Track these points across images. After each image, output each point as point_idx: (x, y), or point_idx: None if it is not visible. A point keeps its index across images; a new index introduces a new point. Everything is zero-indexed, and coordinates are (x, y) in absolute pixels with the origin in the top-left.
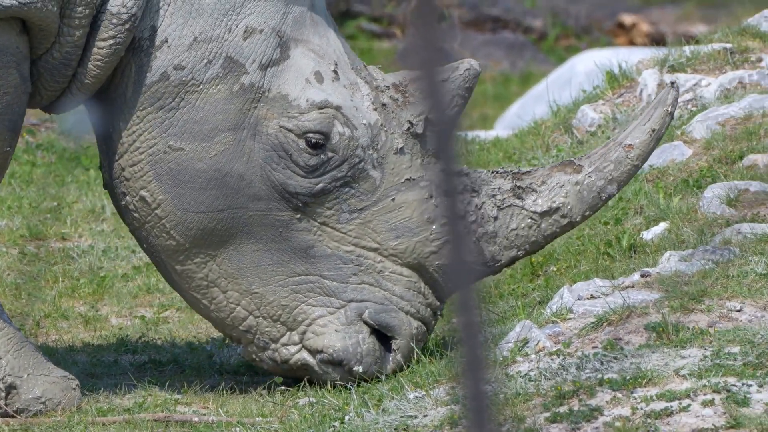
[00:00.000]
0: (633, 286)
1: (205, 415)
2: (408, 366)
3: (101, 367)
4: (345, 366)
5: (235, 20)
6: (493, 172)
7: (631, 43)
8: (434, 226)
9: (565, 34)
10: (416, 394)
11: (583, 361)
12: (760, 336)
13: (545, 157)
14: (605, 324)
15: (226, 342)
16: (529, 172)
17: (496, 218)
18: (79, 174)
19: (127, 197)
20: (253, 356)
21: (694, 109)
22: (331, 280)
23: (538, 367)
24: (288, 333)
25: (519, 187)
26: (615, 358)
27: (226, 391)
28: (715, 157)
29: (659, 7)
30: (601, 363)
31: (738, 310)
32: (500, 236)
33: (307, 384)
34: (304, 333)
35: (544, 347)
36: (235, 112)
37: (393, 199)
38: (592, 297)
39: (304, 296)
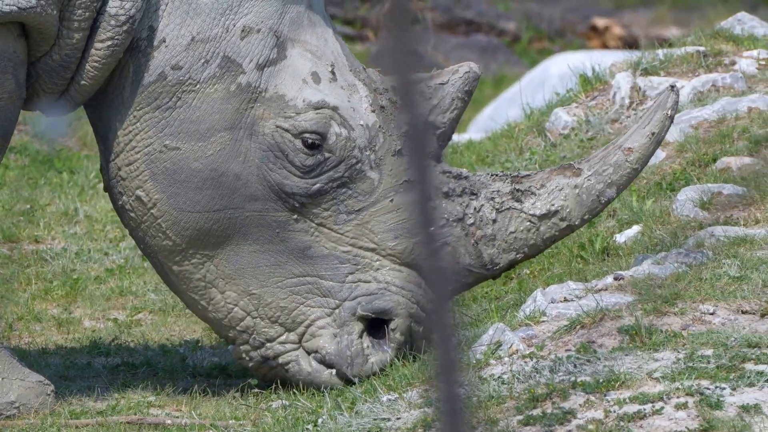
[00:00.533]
0: (606, 289)
1: (178, 417)
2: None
3: (74, 370)
4: (336, 369)
5: (233, 20)
6: (492, 175)
7: (605, 46)
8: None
9: (538, 37)
10: (389, 396)
11: (557, 364)
12: (733, 339)
13: (518, 160)
14: (578, 327)
15: (199, 344)
16: (529, 175)
17: (494, 221)
18: (52, 177)
19: (124, 197)
20: (243, 355)
21: None
22: (329, 281)
23: (511, 370)
24: (286, 333)
25: (518, 190)
26: (588, 361)
27: (200, 394)
28: (689, 159)
29: (632, 11)
30: (575, 366)
31: (711, 313)
32: (499, 239)
33: (281, 387)
34: (302, 334)
35: (517, 350)
36: (231, 112)
37: (391, 200)
38: (566, 300)
39: (302, 297)
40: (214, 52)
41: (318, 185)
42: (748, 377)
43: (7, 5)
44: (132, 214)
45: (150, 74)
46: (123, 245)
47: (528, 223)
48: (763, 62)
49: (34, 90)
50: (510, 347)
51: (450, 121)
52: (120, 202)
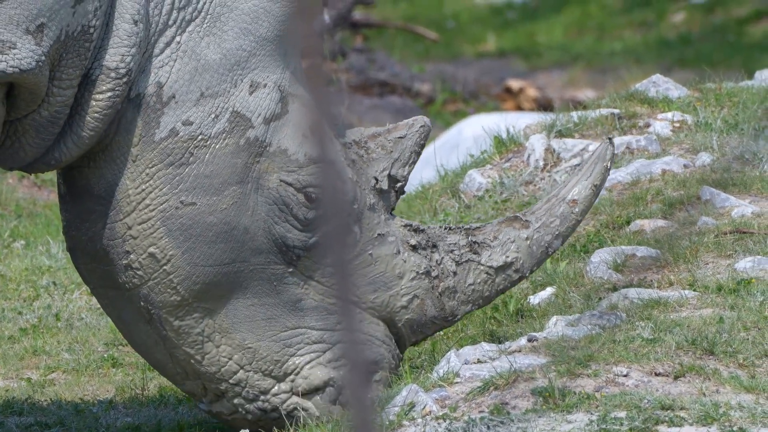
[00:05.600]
0: (520, 351)
1: None
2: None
3: None
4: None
5: (241, 75)
6: (445, 228)
7: (519, 108)
8: (403, 281)
9: (452, 99)
10: None
11: (470, 426)
12: (646, 401)
13: (433, 221)
14: (492, 388)
15: (113, 404)
16: (480, 227)
17: (455, 273)
18: None
19: (132, 255)
20: (238, 408)
21: None
22: (320, 330)
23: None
24: (277, 385)
25: (475, 243)
26: (502, 422)
27: None
28: (602, 222)
29: (546, 72)
30: (488, 427)
31: (624, 375)
32: (459, 291)
33: None
34: (293, 381)
35: (430, 411)
36: (241, 166)
37: (371, 254)
38: (479, 361)
39: (294, 349)
40: (223, 107)
41: (315, 238)
42: None
43: (10, 67)
44: (139, 272)
45: (161, 130)
46: (36, 305)
47: (485, 275)
48: (677, 125)
49: (21, 145)
50: (423, 408)
51: (407, 175)
52: (125, 261)
